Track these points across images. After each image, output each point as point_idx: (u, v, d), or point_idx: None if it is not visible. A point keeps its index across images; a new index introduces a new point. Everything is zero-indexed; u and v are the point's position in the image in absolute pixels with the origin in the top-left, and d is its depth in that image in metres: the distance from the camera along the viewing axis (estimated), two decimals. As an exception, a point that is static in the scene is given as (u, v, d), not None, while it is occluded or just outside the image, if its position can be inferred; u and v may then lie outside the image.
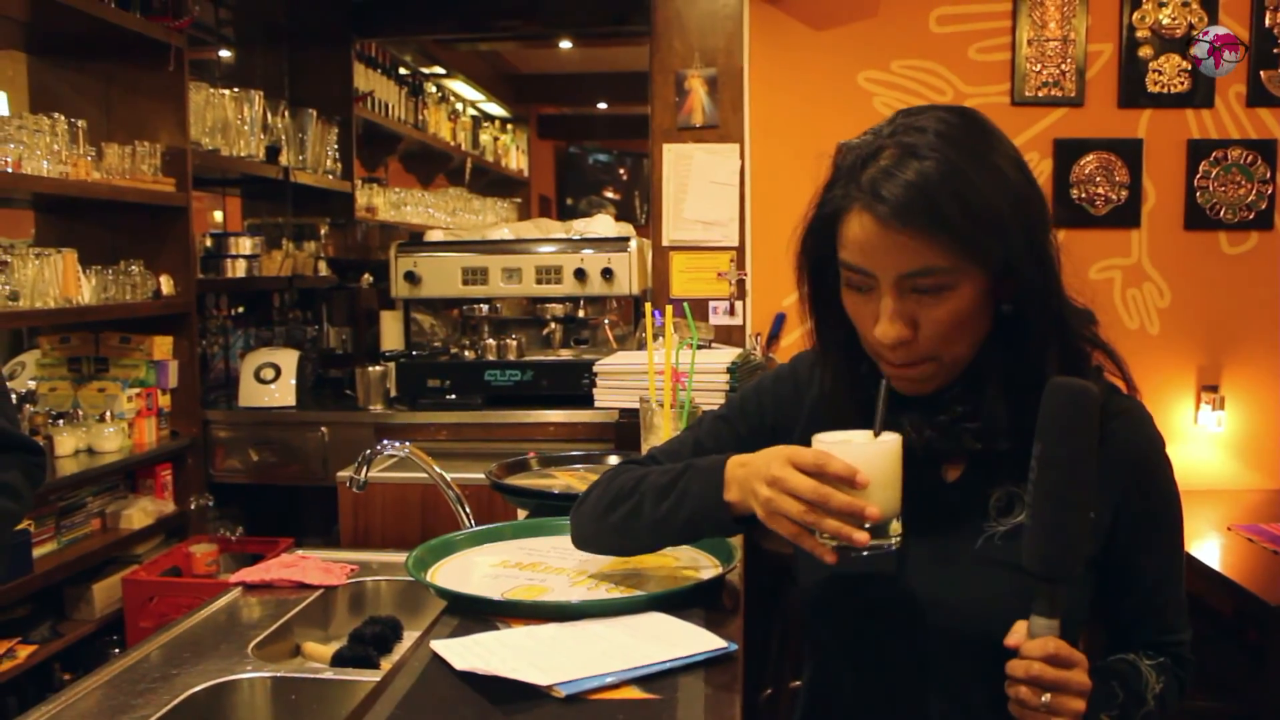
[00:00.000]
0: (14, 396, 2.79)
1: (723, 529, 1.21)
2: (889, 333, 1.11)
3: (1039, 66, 3.36)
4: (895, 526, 1.09)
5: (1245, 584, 2.42)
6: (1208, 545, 2.72)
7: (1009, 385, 1.15)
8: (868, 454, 1.08)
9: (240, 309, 3.95)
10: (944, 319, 1.11)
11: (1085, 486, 1.01)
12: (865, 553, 1.06)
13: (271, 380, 3.37)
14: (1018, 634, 1.04)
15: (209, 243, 3.72)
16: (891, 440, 1.10)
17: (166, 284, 3.11)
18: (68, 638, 2.70)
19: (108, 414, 2.98)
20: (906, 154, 1.08)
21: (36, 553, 2.63)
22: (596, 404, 2.68)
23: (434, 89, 5.66)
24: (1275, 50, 3.31)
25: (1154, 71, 3.34)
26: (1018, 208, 1.10)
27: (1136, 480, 1.21)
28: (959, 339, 1.13)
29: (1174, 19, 3.32)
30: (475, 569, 1.38)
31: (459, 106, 6.15)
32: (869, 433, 1.12)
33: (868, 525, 1.05)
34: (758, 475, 1.11)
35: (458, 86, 6.02)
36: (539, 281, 3.29)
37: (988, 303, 1.14)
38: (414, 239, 3.65)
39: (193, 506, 3.14)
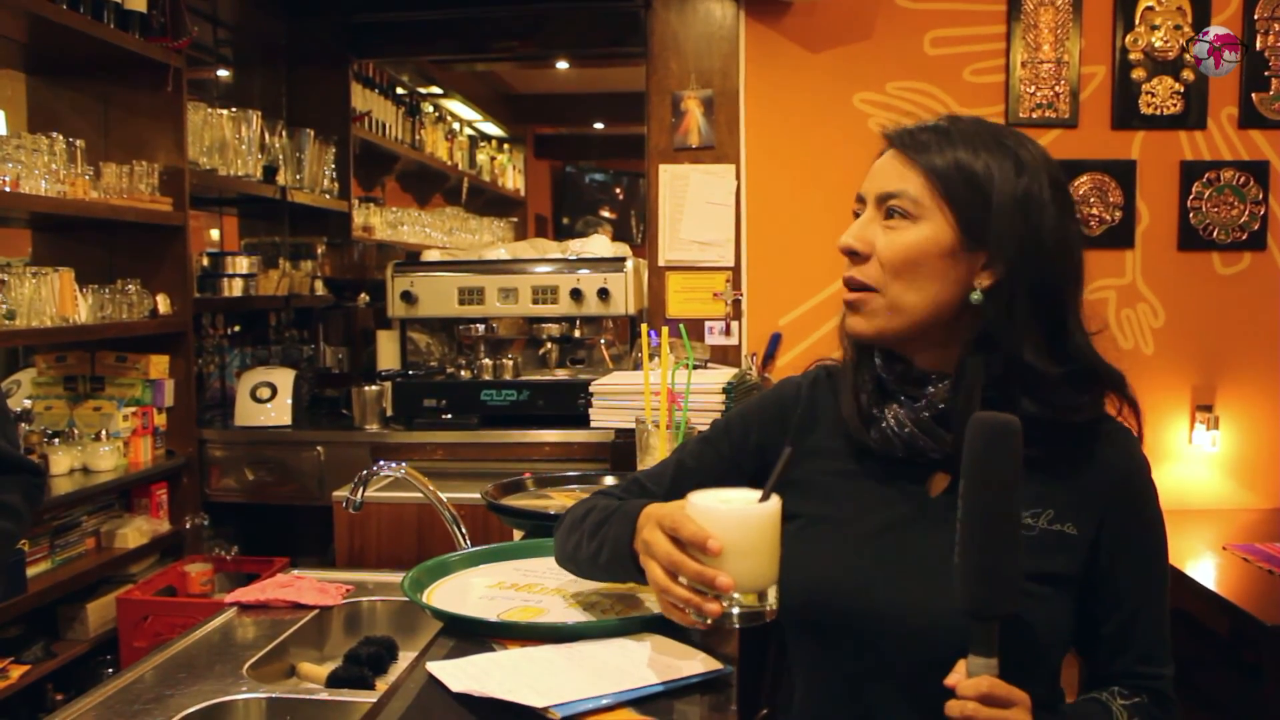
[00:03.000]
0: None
1: (634, 578, 1.19)
2: (844, 240, 1.22)
3: (1033, 88, 3.38)
4: (770, 596, 1.05)
5: (1240, 604, 2.42)
6: (1203, 565, 2.72)
7: (998, 390, 1.16)
8: (732, 519, 1.04)
9: (236, 328, 3.95)
10: (896, 247, 1.18)
11: (1012, 523, 1.00)
12: (738, 625, 1.04)
13: (267, 399, 3.37)
14: (957, 673, 1.03)
15: (206, 262, 3.72)
16: (765, 508, 1.05)
17: (163, 303, 3.11)
18: (61, 658, 2.69)
19: (103, 433, 2.98)
20: (949, 124, 1.22)
21: (30, 572, 2.62)
22: (592, 424, 2.69)
23: (431, 109, 5.68)
24: (1266, 73, 3.34)
25: (1147, 93, 3.36)
26: (1021, 198, 1.16)
27: (1122, 499, 1.21)
28: (908, 279, 1.18)
29: (1166, 41, 3.35)
30: (471, 590, 1.38)
31: (456, 126, 6.16)
32: (756, 494, 1.07)
33: (736, 595, 1.02)
34: (641, 536, 1.12)
35: (455, 106, 6.03)
36: (535, 301, 3.30)
37: (955, 270, 1.18)
38: (410, 258, 3.65)
39: (188, 526, 3.13)
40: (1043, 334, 1.17)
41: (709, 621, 1.05)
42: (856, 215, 1.24)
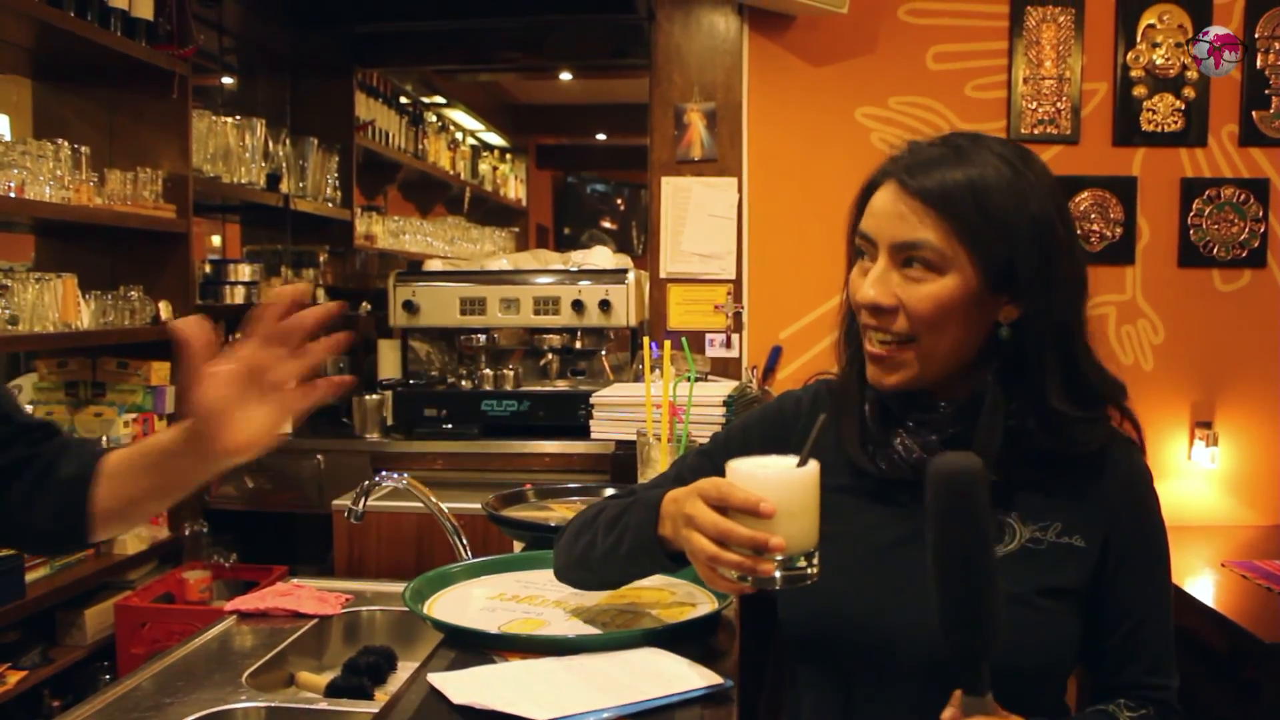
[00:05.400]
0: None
1: (659, 565, 1.19)
2: (868, 294, 1.16)
3: (1035, 104, 3.39)
4: (815, 558, 1.06)
5: (1239, 621, 2.42)
6: (1201, 582, 2.72)
7: (1011, 417, 1.16)
8: (778, 482, 1.04)
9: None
10: (925, 300, 1.14)
11: (985, 568, 0.98)
12: (779, 586, 1.04)
13: (268, 407, 3.37)
14: (953, 707, 1.03)
15: (208, 269, 3.73)
16: (807, 470, 1.06)
17: (165, 310, 3.12)
18: (58, 663, 2.68)
19: (104, 439, 2.97)
20: (947, 149, 1.17)
21: (28, 577, 2.62)
22: (593, 435, 2.68)
23: (434, 118, 5.70)
24: (1266, 91, 3.35)
25: (1148, 110, 3.37)
26: (1036, 232, 1.13)
27: (1129, 509, 1.21)
28: (941, 330, 1.15)
29: (1167, 59, 3.36)
30: (472, 601, 1.38)
31: (458, 136, 6.18)
32: (792, 459, 1.07)
33: (779, 558, 1.03)
34: (680, 513, 1.11)
35: (457, 116, 6.05)
36: (537, 312, 3.30)
37: (981, 313, 1.16)
38: (412, 268, 3.65)
39: (187, 532, 3.13)
40: (1063, 364, 1.17)
41: (752, 583, 1.04)
42: (859, 253, 1.20)
